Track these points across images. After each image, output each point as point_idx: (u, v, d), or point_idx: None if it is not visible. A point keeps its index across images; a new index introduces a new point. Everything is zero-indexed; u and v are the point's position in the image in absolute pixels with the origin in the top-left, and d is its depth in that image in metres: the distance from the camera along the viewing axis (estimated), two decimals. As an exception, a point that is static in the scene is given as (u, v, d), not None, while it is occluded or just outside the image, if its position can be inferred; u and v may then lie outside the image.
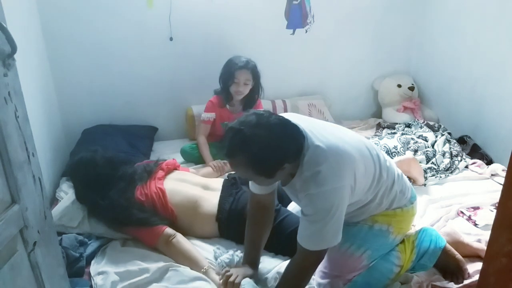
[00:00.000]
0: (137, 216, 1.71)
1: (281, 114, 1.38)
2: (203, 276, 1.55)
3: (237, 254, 1.64)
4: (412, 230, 1.69)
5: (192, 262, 1.61)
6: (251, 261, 1.57)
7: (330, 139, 1.31)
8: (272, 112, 1.36)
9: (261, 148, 1.21)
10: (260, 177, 1.28)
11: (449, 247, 1.60)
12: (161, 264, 1.60)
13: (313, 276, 1.52)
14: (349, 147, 1.31)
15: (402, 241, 1.56)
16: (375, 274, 1.47)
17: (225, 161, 2.37)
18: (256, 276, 1.55)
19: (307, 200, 1.29)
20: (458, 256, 1.59)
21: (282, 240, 1.65)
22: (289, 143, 1.25)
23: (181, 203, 1.78)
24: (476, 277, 1.52)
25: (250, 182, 1.52)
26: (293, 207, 1.79)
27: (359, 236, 1.47)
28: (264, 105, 2.62)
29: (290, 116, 1.37)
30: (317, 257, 1.33)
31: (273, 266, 1.61)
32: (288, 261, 1.47)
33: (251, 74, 2.34)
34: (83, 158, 1.89)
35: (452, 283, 1.55)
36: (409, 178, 2.18)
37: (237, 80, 2.32)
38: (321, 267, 1.50)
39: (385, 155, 1.52)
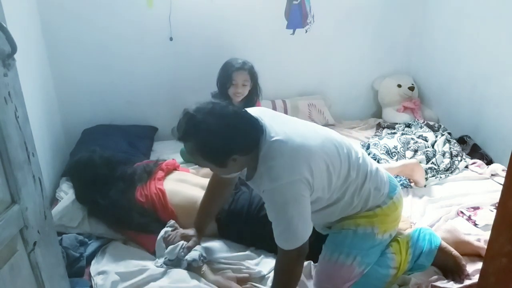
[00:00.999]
0: (137, 221, 1.71)
1: (251, 108, 1.38)
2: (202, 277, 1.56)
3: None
4: (410, 230, 1.69)
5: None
6: (199, 225, 1.68)
7: (289, 134, 1.29)
8: (234, 104, 1.37)
9: (209, 135, 1.21)
10: (210, 164, 1.29)
11: (444, 244, 1.59)
12: (161, 264, 1.61)
13: None
14: (309, 143, 1.30)
15: (397, 242, 1.55)
16: (372, 280, 1.46)
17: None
18: (197, 239, 1.65)
19: (265, 198, 1.29)
20: (455, 252, 1.59)
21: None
22: (239, 134, 1.24)
23: (181, 203, 1.78)
24: (476, 277, 1.52)
25: None
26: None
27: (345, 243, 1.45)
28: (264, 105, 2.61)
29: (256, 110, 1.37)
30: (297, 252, 1.30)
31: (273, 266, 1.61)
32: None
33: (249, 75, 2.32)
34: (81, 158, 1.90)
35: (452, 282, 1.55)
36: (410, 181, 2.19)
37: (235, 81, 2.30)
38: (314, 281, 1.49)
39: (360, 151, 1.48)
